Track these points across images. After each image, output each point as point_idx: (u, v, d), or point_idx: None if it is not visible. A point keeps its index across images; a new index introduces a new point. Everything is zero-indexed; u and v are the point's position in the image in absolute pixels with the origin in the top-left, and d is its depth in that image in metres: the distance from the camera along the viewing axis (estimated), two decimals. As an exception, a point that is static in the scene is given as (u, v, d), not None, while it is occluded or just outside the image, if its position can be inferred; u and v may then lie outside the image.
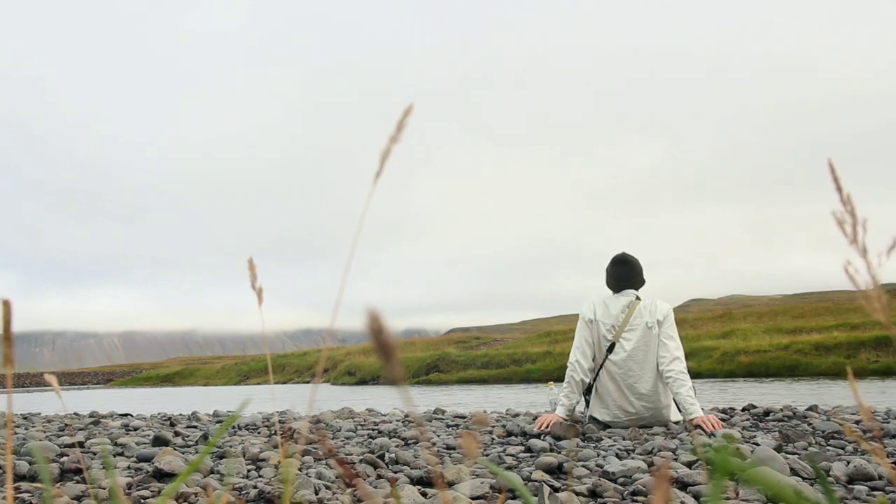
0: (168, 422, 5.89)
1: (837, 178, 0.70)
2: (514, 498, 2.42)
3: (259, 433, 4.52)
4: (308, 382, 32.42)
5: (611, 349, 4.25)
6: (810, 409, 4.95)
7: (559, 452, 3.31)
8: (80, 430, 5.12)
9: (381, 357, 0.69)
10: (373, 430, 4.64)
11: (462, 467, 2.74)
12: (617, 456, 3.18)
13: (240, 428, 4.91)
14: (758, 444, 3.31)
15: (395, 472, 2.92)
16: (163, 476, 2.87)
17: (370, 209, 0.78)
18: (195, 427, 5.15)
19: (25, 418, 6.84)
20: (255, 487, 2.61)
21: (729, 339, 22.49)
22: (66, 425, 5.56)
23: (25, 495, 2.57)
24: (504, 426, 4.25)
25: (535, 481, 2.63)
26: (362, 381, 27.45)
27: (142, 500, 2.45)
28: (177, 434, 4.40)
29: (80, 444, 4.16)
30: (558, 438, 3.81)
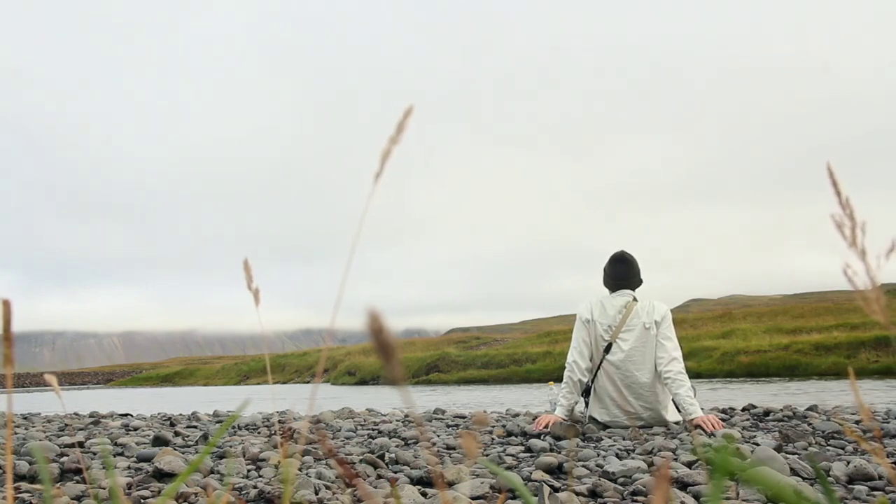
0: (168, 422, 5.89)
1: (836, 181, 0.71)
2: (514, 498, 2.42)
3: (259, 433, 4.52)
4: (308, 382, 32.43)
5: (608, 349, 4.25)
6: (810, 409, 4.95)
7: (559, 452, 3.31)
8: (80, 430, 5.12)
9: (381, 357, 0.70)
10: (373, 430, 4.64)
11: (462, 467, 2.75)
12: (617, 456, 3.19)
13: (240, 428, 4.91)
14: (758, 444, 3.31)
15: (395, 472, 2.92)
16: (163, 476, 2.87)
17: (370, 209, 0.79)
18: (195, 427, 5.15)
19: (25, 418, 6.84)
20: (255, 487, 2.61)
21: (729, 339, 22.49)
22: (66, 425, 5.56)
23: (25, 495, 2.57)
24: (504, 426, 4.25)
25: (535, 481, 2.63)
26: (362, 381, 27.45)
27: (142, 500, 2.45)
28: (177, 434, 4.40)
29: (80, 444, 4.16)
30: (558, 438, 3.81)
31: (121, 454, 3.74)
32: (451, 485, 2.58)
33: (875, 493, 2.42)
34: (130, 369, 62.57)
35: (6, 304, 0.80)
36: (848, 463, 2.67)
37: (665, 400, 4.21)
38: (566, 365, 4.32)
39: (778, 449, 3.12)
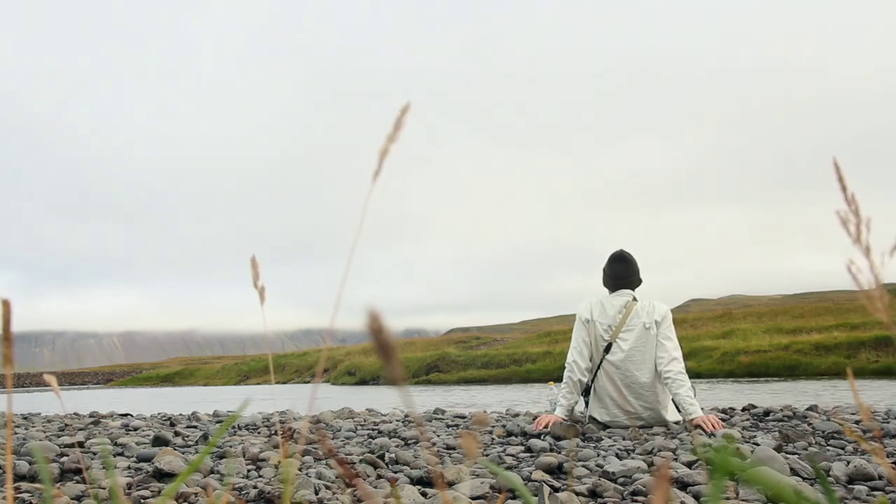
0: (168, 422, 5.89)
1: (842, 176, 0.70)
2: (514, 498, 2.42)
3: (259, 433, 4.52)
4: (308, 382, 32.43)
5: (608, 349, 4.25)
6: (810, 409, 4.95)
7: (559, 452, 3.31)
8: (80, 430, 5.12)
9: (381, 357, 0.69)
10: (373, 430, 4.64)
11: (462, 467, 2.74)
12: (617, 456, 3.18)
13: (240, 428, 4.91)
14: (758, 444, 3.31)
15: (395, 472, 2.92)
16: (163, 476, 2.87)
17: (370, 209, 0.79)
18: (195, 427, 5.15)
19: (25, 418, 6.84)
20: (255, 487, 2.60)
21: (729, 339, 22.49)
22: (66, 425, 5.56)
23: (25, 495, 2.57)
24: (504, 426, 4.25)
25: (535, 481, 2.63)
26: (362, 381, 27.46)
27: (142, 500, 2.45)
28: (177, 434, 4.40)
29: (80, 444, 4.16)
30: (558, 438, 3.81)
31: (121, 454, 3.73)
32: (451, 485, 2.58)
33: (875, 493, 2.42)
34: (130, 369, 62.56)
35: (6, 304, 0.80)
36: (848, 463, 2.67)
37: (665, 400, 4.21)
38: (566, 365, 4.32)
39: (778, 449, 3.12)
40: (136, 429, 5.23)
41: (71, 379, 55.60)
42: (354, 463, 3.08)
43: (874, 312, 0.66)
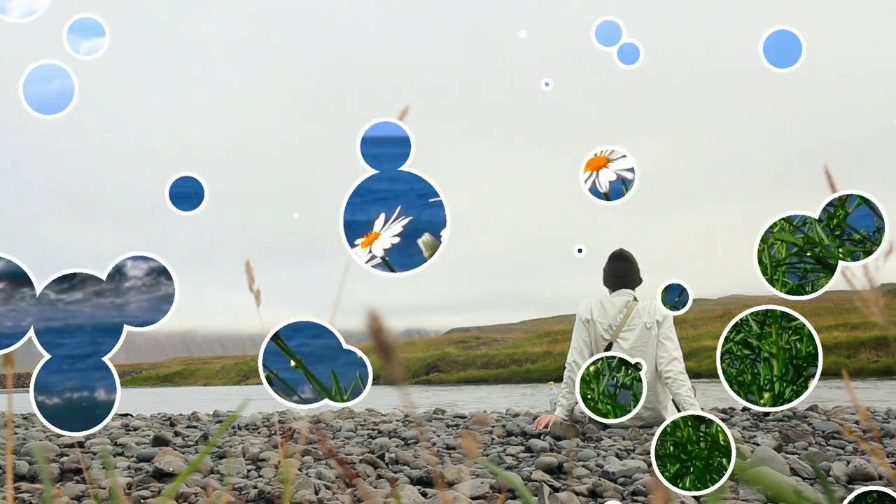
0: (168, 422, 5.89)
1: (833, 183, 0.71)
2: (514, 498, 2.42)
3: (259, 433, 4.53)
4: (308, 382, 32.40)
5: (608, 349, 4.24)
6: (810, 409, 4.96)
7: (559, 452, 3.31)
8: (81, 430, 5.12)
9: (381, 357, 0.70)
10: (373, 430, 4.64)
11: (462, 467, 2.75)
12: (617, 456, 3.19)
13: (240, 428, 4.91)
14: (758, 444, 3.31)
15: (395, 472, 2.92)
16: (163, 476, 2.87)
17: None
18: (195, 427, 5.15)
19: (25, 418, 6.84)
20: (255, 487, 2.61)
21: (729, 339, 22.46)
22: (67, 425, 5.56)
23: (25, 495, 2.57)
24: (504, 426, 4.25)
25: (535, 481, 2.63)
26: (362, 381, 27.44)
27: (142, 500, 2.45)
28: (177, 434, 4.40)
29: (80, 444, 4.16)
30: (558, 438, 3.81)
31: (121, 454, 3.74)
32: (451, 485, 2.58)
33: (875, 493, 2.42)
34: (130, 369, 62.50)
35: (6, 304, 0.80)
36: (848, 463, 2.68)
37: (665, 400, 4.21)
38: (566, 365, 4.32)
39: (778, 449, 3.12)
40: (136, 429, 5.23)
41: (71, 379, 55.47)
42: (354, 463, 3.08)
43: (870, 315, 0.66)
